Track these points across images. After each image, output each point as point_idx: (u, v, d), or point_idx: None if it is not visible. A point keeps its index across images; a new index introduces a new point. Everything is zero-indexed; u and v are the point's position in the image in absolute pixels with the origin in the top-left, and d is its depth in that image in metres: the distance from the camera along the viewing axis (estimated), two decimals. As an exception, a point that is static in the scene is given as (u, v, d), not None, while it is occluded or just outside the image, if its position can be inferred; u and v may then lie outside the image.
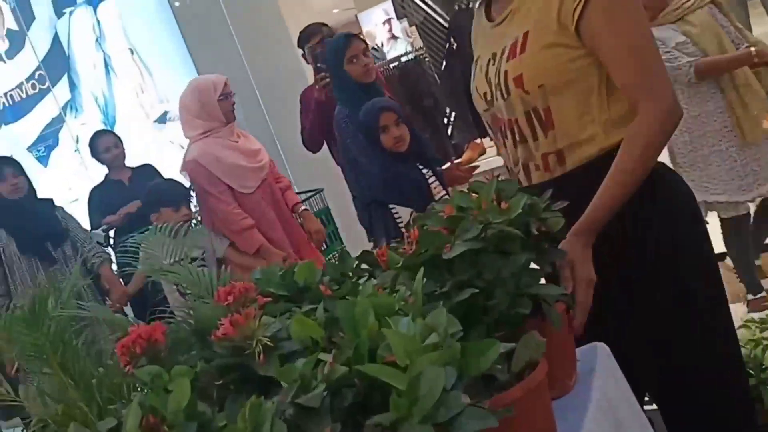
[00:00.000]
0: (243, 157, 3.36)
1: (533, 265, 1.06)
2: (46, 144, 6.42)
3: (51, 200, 4.02)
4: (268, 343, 0.90)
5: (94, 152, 4.41)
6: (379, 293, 0.81)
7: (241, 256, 3.31)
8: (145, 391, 0.88)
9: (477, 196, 1.03)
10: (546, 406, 0.97)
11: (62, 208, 4.02)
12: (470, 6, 5.16)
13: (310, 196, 4.30)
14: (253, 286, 1.07)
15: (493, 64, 1.49)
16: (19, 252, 3.67)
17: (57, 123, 6.40)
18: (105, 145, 4.34)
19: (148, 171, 4.46)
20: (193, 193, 3.44)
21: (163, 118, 6.14)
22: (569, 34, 1.36)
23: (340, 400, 0.66)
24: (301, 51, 3.91)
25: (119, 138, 4.49)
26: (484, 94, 1.52)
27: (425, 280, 0.85)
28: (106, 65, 6.28)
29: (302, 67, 4.77)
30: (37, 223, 3.76)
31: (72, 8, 6.36)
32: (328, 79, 3.37)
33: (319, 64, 3.53)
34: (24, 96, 6.57)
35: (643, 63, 1.35)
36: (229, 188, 3.31)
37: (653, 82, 1.35)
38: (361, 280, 1.08)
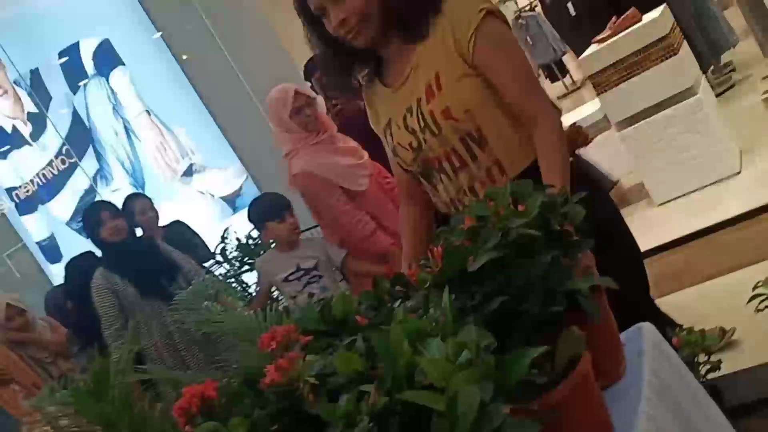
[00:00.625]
0: (349, 157, 3.22)
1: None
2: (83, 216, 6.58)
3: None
4: (314, 382, 0.93)
5: (129, 218, 4.50)
6: (410, 318, 0.82)
7: (360, 264, 3.24)
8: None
9: (494, 202, 1.05)
10: (596, 399, 0.98)
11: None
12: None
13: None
14: (294, 327, 1.09)
15: (412, 115, 1.67)
16: (140, 295, 3.57)
17: (89, 194, 6.58)
18: (139, 209, 4.41)
19: (179, 228, 4.56)
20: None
21: (189, 171, 6.27)
22: (471, 65, 1.60)
23: (386, 428, 0.68)
24: (309, 84, 3.96)
25: (150, 200, 4.57)
26: (409, 144, 1.69)
27: (454, 296, 0.87)
28: (127, 130, 6.45)
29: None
30: (148, 262, 3.69)
31: (85, 80, 6.55)
32: (340, 107, 3.40)
33: (329, 93, 3.57)
34: (55, 173, 6.77)
35: (530, 82, 1.66)
36: (344, 191, 3.14)
37: (541, 95, 1.66)
38: (396, 303, 1.10)
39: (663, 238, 4.05)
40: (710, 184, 4.34)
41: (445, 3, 1.62)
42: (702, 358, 2.25)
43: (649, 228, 4.21)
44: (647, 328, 1.30)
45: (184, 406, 0.99)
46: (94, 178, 6.56)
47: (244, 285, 4.39)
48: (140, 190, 5.97)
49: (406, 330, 0.75)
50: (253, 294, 3.89)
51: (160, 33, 6.34)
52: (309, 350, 1.06)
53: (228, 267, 4.50)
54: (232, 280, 4.40)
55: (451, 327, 0.74)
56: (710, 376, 2.26)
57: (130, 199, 4.61)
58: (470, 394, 0.61)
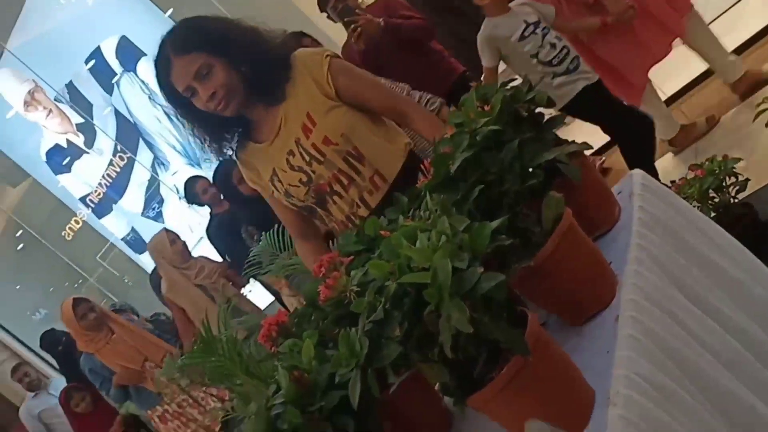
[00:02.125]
0: None
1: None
2: (153, 204, 7.01)
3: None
4: (358, 289, 1.17)
5: (194, 199, 4.80)
6: (407, 223, 1.04)
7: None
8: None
9: (464, 108, 1.24)
10: (585, 244, 1.18)
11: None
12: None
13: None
14: (336, 254, 1.34)
15: (295, 156, 1.94)
16: None
17: (153, 183, 6.99)
18: (200, 189, 4.72)
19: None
20: None
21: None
22: (335, 98, 1.93)
23: (401, 308, 0.91)
24: (325, 14, 3.97)
25: (207, 178, 4.82)
26: (299, 180, 1.96)
27: (442, 196, 1.08)
28: (167, 115, 6.75)
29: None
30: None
31: (116, 79, 6.85)
32: (360, 29, 3.49)
33: (346, 19, 3.64)
34: (117, 171, 7.17)
35: (389, 91, 2.15)
36: None
37: (398, 96, 2.16)
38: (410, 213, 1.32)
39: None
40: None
41: (295, 67, 1.93)
42: (729, 180, 2.38)
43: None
44: (636, 173, 1.48)
45: (266, 333, 1.26)
46: (153, 167, 6.95)
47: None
48: (197, 168, 6.31)
49: (403, 233, 0.97)
50: None
51: (170, 11, 6.52)
52: (353, 267, 1.30)
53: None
54: None
55: (435, 221, 0.95)
56: (740, 195, 2.39)
57: (189, 183, 4.87)
58: (444, 265, 0.83)
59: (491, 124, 1.14)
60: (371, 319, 0.93)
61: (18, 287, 9.10)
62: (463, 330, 0.83)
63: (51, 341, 5.40)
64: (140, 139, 6.86)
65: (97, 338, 4.02)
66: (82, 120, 6.90)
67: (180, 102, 1.91)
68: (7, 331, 7.28)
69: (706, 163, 2.48)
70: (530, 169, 1.20)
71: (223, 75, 1.84)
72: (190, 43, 1.85)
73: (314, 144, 1.91)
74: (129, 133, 6.87)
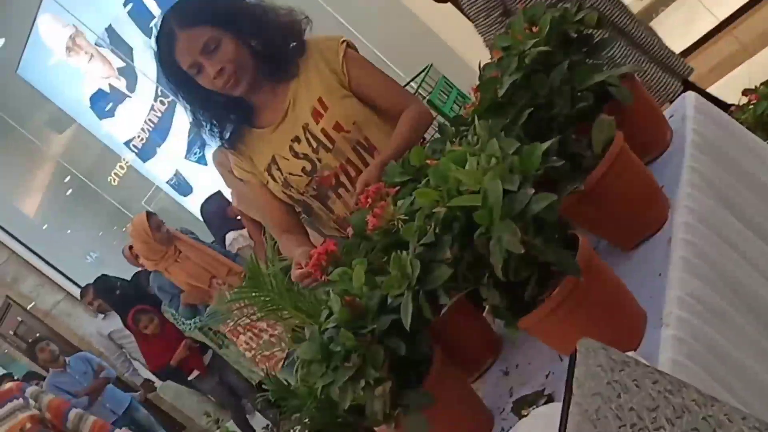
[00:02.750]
0: None
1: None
2: (196, 147, 7.08)
3: None
4: (405, 218, 1.17)
5: None
6: (455, 148, 1.03)
7: None
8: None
9: (511, 30, 1.21)
10: (636, 167, 1.16)
11: None
12: None
13: (423, 75, 4.46)
14: (382, 184, 1.34)
15: (300, 142, 1.84)
16: None
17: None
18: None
19: None
20: None
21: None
22: (347, 87, 1.84)
23: (450, 231, 0.91)
24: None
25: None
26: (302, 169, 1.85)
27: (490, 121, 1.06)
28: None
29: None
30: None
31: (154, 21, 6.84)
32: None
33: None
34: (159, 115, 7.24)
35: (395, 88, 1.95)
36: None
37: (408, 96, 1.98)
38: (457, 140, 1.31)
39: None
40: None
41: (308, 49, 1.85)
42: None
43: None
44: (690, 95, 1.43)
45: (315, 262, 1.28)
46: (194, 110, 6.98)
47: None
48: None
49: (452, 158, 0.97)
50: None
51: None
52: (400, 197, 1.30)
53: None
54: None
55: (484, 145, 0.94)
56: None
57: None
58: (494, 187, 0.83)
59: (540, 46, 1.12)
60: (422, 242, 0.93)
61: (69, 231, 9.38)
62: (514, 251, 0.83)
63: (106, 287, 5.58)
64: (180, 82, 6.89)
65: (167, 255, 4.03)
66: (123, 64, 6.95)
67: (183, 81, 1.79)
68: (62, 273, 7.53)
69: (761, 87, 2.40)
70: (580, 92, 1.17)
71: (232, 49, 1.73)
72: (197, 16, 1.74)
73: (324, 129, 1.83)
74: (169, 76, 6.88)
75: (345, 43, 1.87)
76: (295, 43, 1.84)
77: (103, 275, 5.72)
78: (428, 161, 1.31)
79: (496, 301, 0.94)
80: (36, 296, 7.48)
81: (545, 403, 1.08)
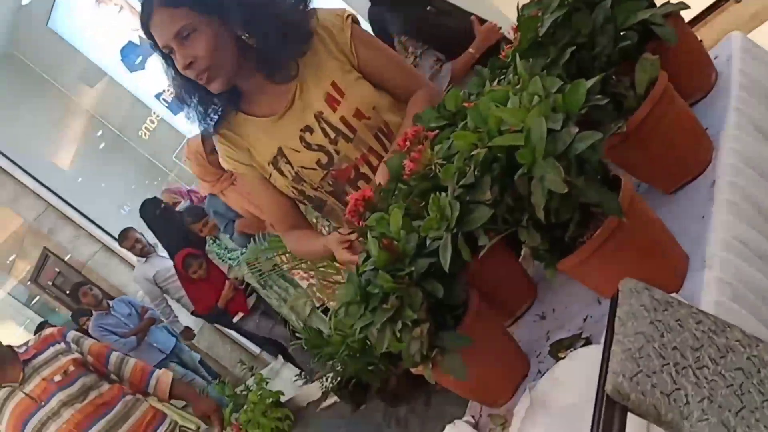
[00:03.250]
0: None
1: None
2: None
3: None
4: (443, 162, 1.16)
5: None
6: (496, 89, 1.01)
7: None
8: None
9: (553, -31, 1.17)
10: (679, 108, 1.13)
11: None
12: None
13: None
14: (420, 128, 1.32)
15: (314, 132, 1.64)
16: None
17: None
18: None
19: None
20: None
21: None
22: (357, 69, 1.65)
23: (490, 172, 0.90)
24: None
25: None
26: (317, 162, 1.65)
27: (532, 60, 1.04)
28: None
29: None
30: None
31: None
32: None
33: None
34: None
35: (406, 68, 1.76)
36: None
37: (418, 76, 1.78)
38: (495, 82, 1.29)
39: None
40: None
41: (315, 28, 1.62)
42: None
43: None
44: (736, 36, 1.39)
45: (352, 208, 1.28)
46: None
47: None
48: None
49: (492, 98, 0.95)
50: None
51: None
52: (437, 142, 1.29)
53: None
54: None
55: (526, 84, 0.92)
56: None
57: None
58: (538, 124, 0.81)
59: (583, -18, 1.08)
60: (461, 184, 0.93)
61: (103, 185, 9.51)
62: (557, 191, 0.82)
63: (151, 206, 5.59)
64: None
65: (222, 178, 4.01)
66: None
67: (162, 53, 1.57)
68: (97, 225, 7.66)
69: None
70: (622, 31, 1.14)
71: (206, 43, 1.50)
72: None
73: (343, 117, 1.63)
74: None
75: (349, 17, 1.67)
76: (299, 42, 1.60)
77: (154, 197, 5.70)
78: (465, 104, 1.29)
79: (537, 242, 0.94)
80: (72, 248, 7.63)
81: (583, 346, 1.08)
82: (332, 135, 1.64)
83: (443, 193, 0.96)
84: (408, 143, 1.29)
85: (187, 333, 6.14)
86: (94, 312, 5.61)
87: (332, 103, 1.63)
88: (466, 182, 0.91)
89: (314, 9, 1.63)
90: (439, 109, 1.40)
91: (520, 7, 1.30)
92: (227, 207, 4.11)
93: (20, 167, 7.29)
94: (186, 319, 6.03)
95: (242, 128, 1.69)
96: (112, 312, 5.62)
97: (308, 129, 1.64)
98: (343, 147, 1.65)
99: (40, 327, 5.95)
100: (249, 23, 1.52)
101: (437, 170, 1.16)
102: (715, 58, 1.37)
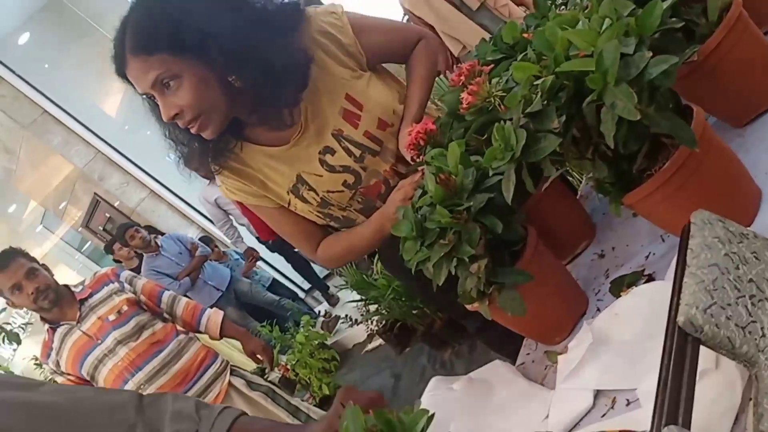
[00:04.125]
0: None
1: None
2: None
3: None
4: (503, 94, 1.13)
5: None
6: (563, 13, 0.97)
7: None
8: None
9: None
10: (754, 36, 1.07)
11: None
12: None
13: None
14: (476, 61, 1.29)
15: (335, 153, 1.51)
16: None
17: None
18: None
19: None
20: None
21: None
22: (362, 64, 1.54)
23: (558, 100, 0.87)
24: None
25: None
26: (344, 183, 1.52)
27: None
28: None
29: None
30: None
31: None
32: None
33: None
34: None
35: (401, 28, 1.66)
36: None
37: (412, 29, 1.67)
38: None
39: None
40: None
41: (309, 19, 1.48)
42: None
43: None
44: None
45: (413, 141, 1.26)
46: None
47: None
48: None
49: (558, 22, 0.91)
50: None
51: None
52: (493, 76, 1.25)
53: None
54: None
55: (595, 7, 0.88)
56: None
57: None
58: (611, 48, 0.77)
59: None
60: (527, 111, 0.89)
61: (148, 132, 9.63)
62: (629, 118, 0.79)
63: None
64: None
65: None
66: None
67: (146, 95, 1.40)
68: (145, 171, 7.79)
69: None
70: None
71: (190, 91, 1.33)
72: (152, 40, 1.30)
73: (368, 132, 1.51)
74: None
75: (341, 9, 1.54)
76: (294, 92, 1.44)
77: None
78: (525, 35, 1.25)
79: (603, 174, 0.91)
80: (121, 194, 7.78)
81: (646, 282, 1.06)
82: (357, 153, 1.52)
83: (508, 122, 0.93)
84: (463, 77, 1.26)
85: (252, 253, 6.06)
86: (144, 254, 5.58)
87: (352, 119, 1.51)
88: (532, 110, 0.88)
89: (308, 15, 1.49)
90: (495, 41, 1.36)
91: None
92: None
93: (69, 114, 7.41)
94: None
95: (251, 159, 1.53)
96: (162, 252, 5.54)
97: (328, 150, 1.51)
98: (370, 162, 1.53)
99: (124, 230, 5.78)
100: (235, 68, 1.34)
101: (497, 103, 1.13)
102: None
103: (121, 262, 5.96)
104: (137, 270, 5.63)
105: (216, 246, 6.08)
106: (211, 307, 5.74)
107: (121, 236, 5.62)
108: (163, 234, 6.05)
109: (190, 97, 1.33)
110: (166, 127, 1.45)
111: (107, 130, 7.80)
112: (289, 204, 1.56)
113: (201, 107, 1.35)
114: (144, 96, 1.38)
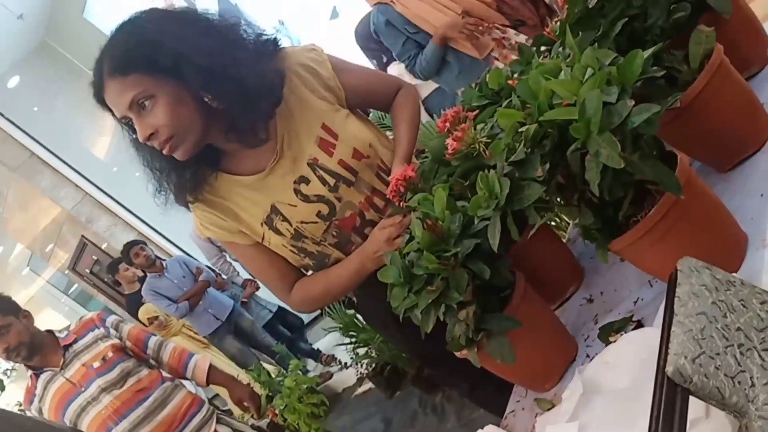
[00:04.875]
0: None
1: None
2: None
3: None
4: (487, 140, 1.13)
5: None
6: (545, 62, 0.98)
7: None
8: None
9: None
10: (736, 83, 1.08)
11: None
12: None
13: None
14: (460, 107, 1.29)
15: (309, 183, 1.50)
16: None
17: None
18: None
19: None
20: None
21: (335, 14, 6.46)
22: (344, 103, 1.57)
23: (541, 148, 0.87)
24: None
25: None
26: (317, 214, 1.51)
27: (581, 33, 1.00)
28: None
29: None
30: None
31: (215, -38, 6.81)
32: None
33: None
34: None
35: (382, 75, 1.78)
36: None
37: (391, 78, 1.74)
38: (541, 57, 1.25)
39: None
40: None
41: (287, 56, 1.51)
42: None
43: None
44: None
45: (394, 188, 1.26)
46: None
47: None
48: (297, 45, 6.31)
49: (542, 71, 0.92)
50: None
51: None
52: (479, 120, 1.26)
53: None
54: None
55: (578, 56, 0.89)
56: None
57: None
58: (593, 97, 0.78)
59: (634, -48, 1.04)
60: (511, 160, 0.90)
61: (137, 174, 9.62)
62: (613, 165, 0.79)
63: None
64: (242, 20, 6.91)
65: None
66: (185, 4, 6.97)
67: (125, 123, 1.42)
68: (133, 214, 7.77)
69: None
70: (675, 3, 1.10)
71: (165, 110, 1.35)
72: (129, 61, 1.34)
73: (342, 161, 1.51)
74: (230, 14, 6.90)
75: (321, 50, 1.59)
76: (268, 107, 1.45)
77: None
78: (510, 82, 1.26)
79: (589, 221, 0.91)
80: (109, 236, 7.74)
81: (634, 329, 1.05)
82: (331, 182, 1.51)
83: (491, 171, 0.94)
84: (448, 123, 1.26)
85: (250, 285, 5.86)
86: (147, 274, 5.36)
87: (327, 147, 1.51)
88: (516, 158, 0.88)
89: (284, 50, 1.52)
90: (480, 87, 1.37)
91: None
92: None
93: (58, 156, 7.40)
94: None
95: (226, 190, 1.53)
96: (166, 274, 5.36)
97: (303, 180, 1.50)
98: (344, 193, 1.52)
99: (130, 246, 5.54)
100: (209, 86, 1.36)
101: (481, 149, 1.13)
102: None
103: (120, 284, 5.78)
104: (137, 295, 5.53)
105: (219, 275, 5.94)
106: (211, 334, 5.56)
107: (126, 254, 5.42)
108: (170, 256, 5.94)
109: (165, 115, 1.36)
110: (145, 157, 1.47)
111: (96, 172, 7.79)
112: (263, 239, 1.55)
113: (176, 126, 1.37)
114: (122, 120, 1.40)
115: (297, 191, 1.51)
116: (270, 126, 1.48)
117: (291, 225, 1.52)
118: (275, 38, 1.52)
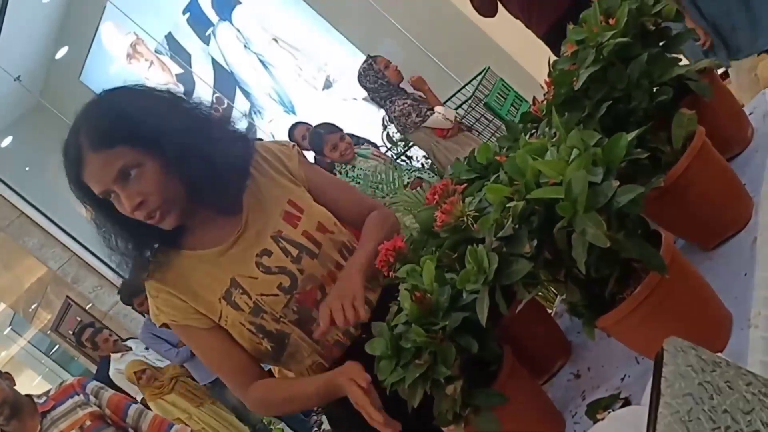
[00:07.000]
0: None
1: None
2: (251, 152, 7.17)
3: None
4: (475, 214, 1.15)
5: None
6: (531, 141, 1.01)
7: None
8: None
9: (586, 24, 1.18)
10: (718, 164, 1.11)
11: None
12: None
13: (480, 78, 4.46)
14: (449, 181, 1.32)
15: (272, 255, 1.49)
16: None
17: (251, 129, 7.14)
18: (299, 136, 4.87)
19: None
20: None
21: (328, 84, 6.60)
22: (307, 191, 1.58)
23: (529, 225, 0.89)
24: None
25: (307, 123, 4.97)
26: (278, 286, 1.48)
27: (568, 114, 1.03)
28: (262, 63, 6.85)
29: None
30: None
31: (211, 29, 6.98)
32: None
33: None
34: (215, 122, 7.35)
35: (356, 193, 1.79)
36: None
37: (370, 201, 1.75)
38: (528, 135, 1.28)
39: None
40: None
41: (260, 155, 1.56)
42: None
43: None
44: (770, 92, 1.38)
45: (383, 259, 1.27)
46: (249, 115, 7.09)
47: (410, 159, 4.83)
48: (293, 114, 6.41)
49: (529, 151, 0.94)
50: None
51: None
52: (467, 194, 1.28)
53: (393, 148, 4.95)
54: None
55: (564, 137, 0.92)
56: None
57: (293, 127, 5.05)
58: (579, 178, 0.80)
59: (618, 37, 1.08)
60: (499, 236, 0.91)
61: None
62: (599, 245, 0.80)
63: None
64: (237, 88, 7.02)
65: None
66: (182, 71, 7.11)
67: (93, 200, 1.42)
68: (120, 275, 7.72)
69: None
70: (658, 86, 1.14)
71: (153, 177, 1.37)
72: (114, 134, 1.35)
73: (306, 232, 1.51)
74: (227, 82, 7.03)
75: (296, 148, 1.63)
76: (240, 180, 1.50)
77: None
78: (497, 157, 1.28)
79: (576, 298, 0.91)
80: (95, 297, 7.66)
81: (622, 406, 1.04)
82: (294, 253, 1.49)
83: (480, 245, 0.95)
84: (437, 196, 1.28)
85: None
86: (145, 316, 5.19)
87: (292, 220, 1.51)
88: (505, 234, 0.90)
89: (259, 140, 1.61)
90: (469, 161, 1.40)
91: (551, 62, 1.31)
92: None
93: (46, 216, 7.39)
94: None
95: (185, 267, 1.51)
96: None
97: (265, 252, 1.49)
98: (307, 265, 1.49)
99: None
100: (188, 160, 1.39)
101: (470, 222, 1.15)
102: (750, 113, 1.36)
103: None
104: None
105: None
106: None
107: (92, 341, 5.37)
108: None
109: (155, 182, 1.37)
110: (105, 237, 1.47)
111: (83, 232, 7.77)
112: (220, 317, 1.49)
113: (165, 193, 1.39)
114: (102, 195, 1.39)
115: (258, 264, 1.49)
116: (241, 199, 1.51)
117: (251, 298, 1.47)
118: (248, 129, 1.61)
